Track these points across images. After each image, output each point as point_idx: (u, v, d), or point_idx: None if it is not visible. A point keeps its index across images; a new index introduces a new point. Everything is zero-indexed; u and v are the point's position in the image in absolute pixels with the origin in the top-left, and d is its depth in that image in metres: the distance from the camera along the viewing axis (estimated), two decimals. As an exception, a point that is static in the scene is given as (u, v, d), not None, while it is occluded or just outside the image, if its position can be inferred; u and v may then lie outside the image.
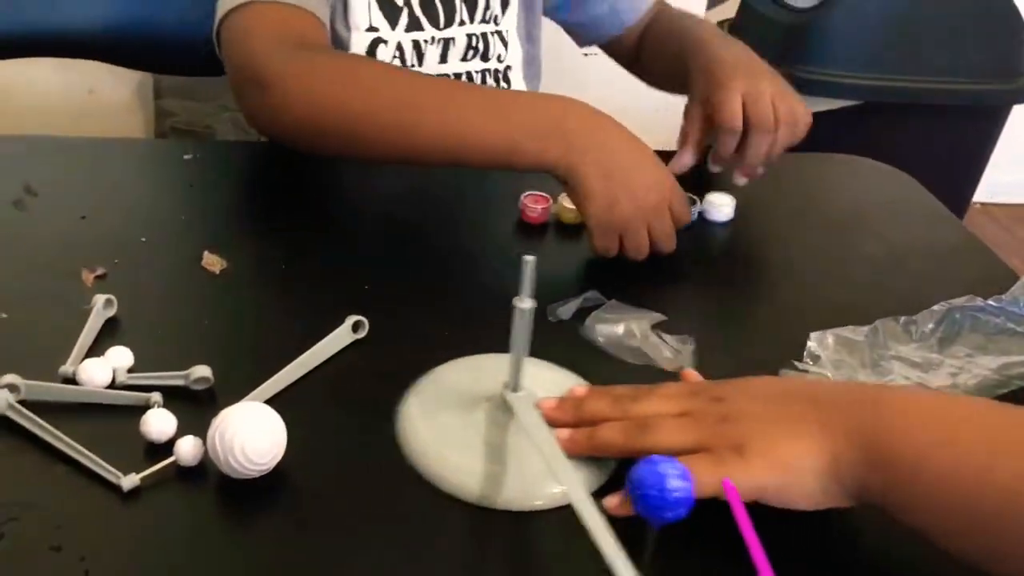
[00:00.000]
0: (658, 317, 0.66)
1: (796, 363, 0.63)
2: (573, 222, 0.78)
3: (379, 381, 0.59)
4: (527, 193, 0.78)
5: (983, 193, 2.65)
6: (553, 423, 0.52)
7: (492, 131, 0.70)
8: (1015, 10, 1.78)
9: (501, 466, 0.51)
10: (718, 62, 0.82)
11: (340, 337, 0.61)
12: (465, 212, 0.81)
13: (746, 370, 0.54)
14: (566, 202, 0.78)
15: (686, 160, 0.83)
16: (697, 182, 0.83)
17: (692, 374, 0.58)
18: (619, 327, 0.64)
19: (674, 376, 0.60)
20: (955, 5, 1.76)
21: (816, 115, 1.92)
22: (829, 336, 0.65)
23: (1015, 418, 0.46)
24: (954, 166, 1.89)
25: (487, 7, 0.96)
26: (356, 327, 0.61)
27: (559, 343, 0.63)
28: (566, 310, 0.66)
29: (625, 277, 0.72)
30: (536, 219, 0.77)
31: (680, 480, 0.43)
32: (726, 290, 0.74)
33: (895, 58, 1.76)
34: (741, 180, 0.84)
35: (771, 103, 0.79)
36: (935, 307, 0.68)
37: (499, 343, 0.62)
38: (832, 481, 0.46)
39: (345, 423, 0.55)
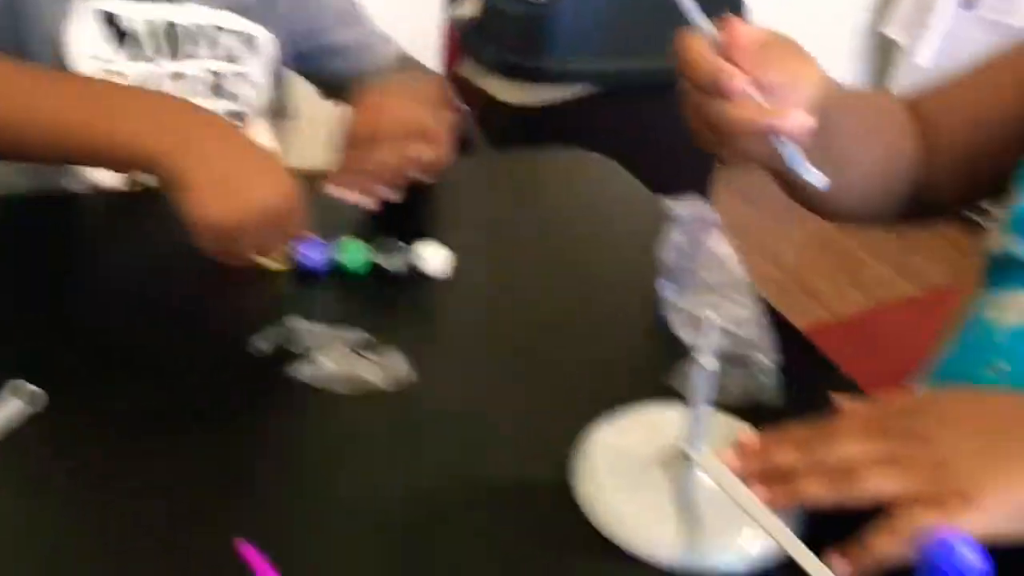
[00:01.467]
0: (362, 337, 0.64)
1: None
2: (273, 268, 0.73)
3: (57, 457, 0.54)
4: None
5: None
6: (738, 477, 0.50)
7: (93, 114, 0.68)
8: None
9: (695, 528, 0.50)
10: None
11: (7, 410, 0.55)
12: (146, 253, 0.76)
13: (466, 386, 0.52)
14: None
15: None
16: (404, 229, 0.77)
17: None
18: (323, 362, 0.62)
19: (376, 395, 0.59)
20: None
21: (562, 105, 1.95)
22: None
23: None
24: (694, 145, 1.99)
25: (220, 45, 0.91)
26: (29, 398, 0.56)
27: (261, 377, 0.61)
28: (266, 340, 0.63)
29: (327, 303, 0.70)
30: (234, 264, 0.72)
31: (979, 560, 0.40)
32: (440, 312, 0.73)
33: (630, 42, 1.83)
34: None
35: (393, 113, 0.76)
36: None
37: (189, 399, 0.59)
38: None
39: (14, 507, 0.50)
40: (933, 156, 0.71)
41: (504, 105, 1.74)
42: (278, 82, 1.00)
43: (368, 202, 0.75)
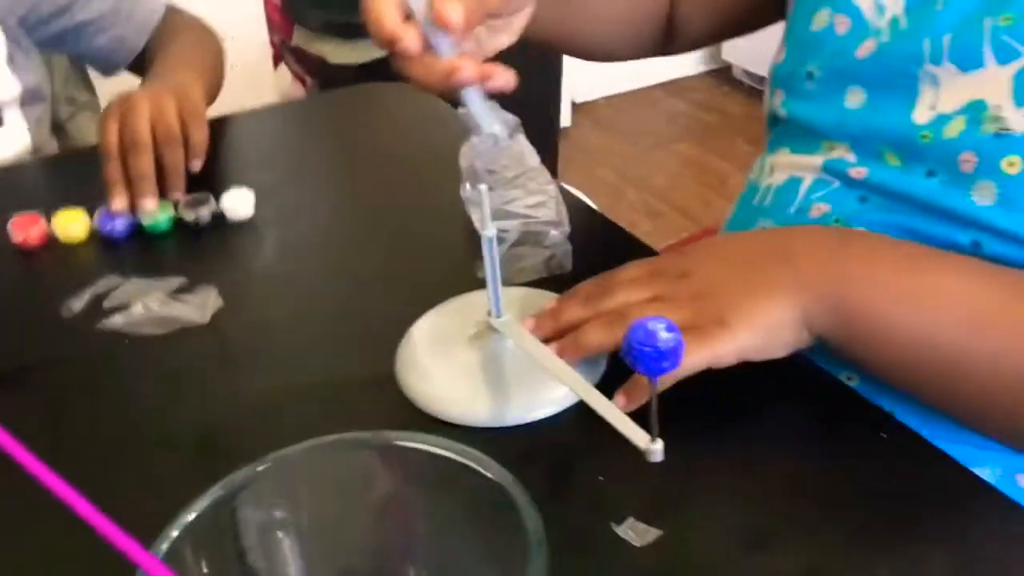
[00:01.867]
0: (174, 283, 0.65)
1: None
2: (71, 241, 0.73)
3: None
4: (16, 216, 0.72)
5: (587, 93, 2.85)
6: (538, 339, 0.53)
7: None
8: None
9: (505, 389, 0.54)
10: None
11: None
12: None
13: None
14: (63, 220, 0.73)
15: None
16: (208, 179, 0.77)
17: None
18: (134, 309, 0.62)
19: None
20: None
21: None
22: None
23: (985, 278, 0.50)
24: (538, 71, 2.02)
25: None
26: None
27: (77, 335, 0.61)
28: (79, 301, 0.64)
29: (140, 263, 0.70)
30: (34, 243, 0.72)
31: (668, 331, 0.41)
32: (251, 247, 0.73)
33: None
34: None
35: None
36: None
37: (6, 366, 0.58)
38: (804, 329, 0.50)
39: None
40: None
41: (341, 67, 1.74)
42: (26, 69, 0.94)
43: (152, 208, 0.72)
